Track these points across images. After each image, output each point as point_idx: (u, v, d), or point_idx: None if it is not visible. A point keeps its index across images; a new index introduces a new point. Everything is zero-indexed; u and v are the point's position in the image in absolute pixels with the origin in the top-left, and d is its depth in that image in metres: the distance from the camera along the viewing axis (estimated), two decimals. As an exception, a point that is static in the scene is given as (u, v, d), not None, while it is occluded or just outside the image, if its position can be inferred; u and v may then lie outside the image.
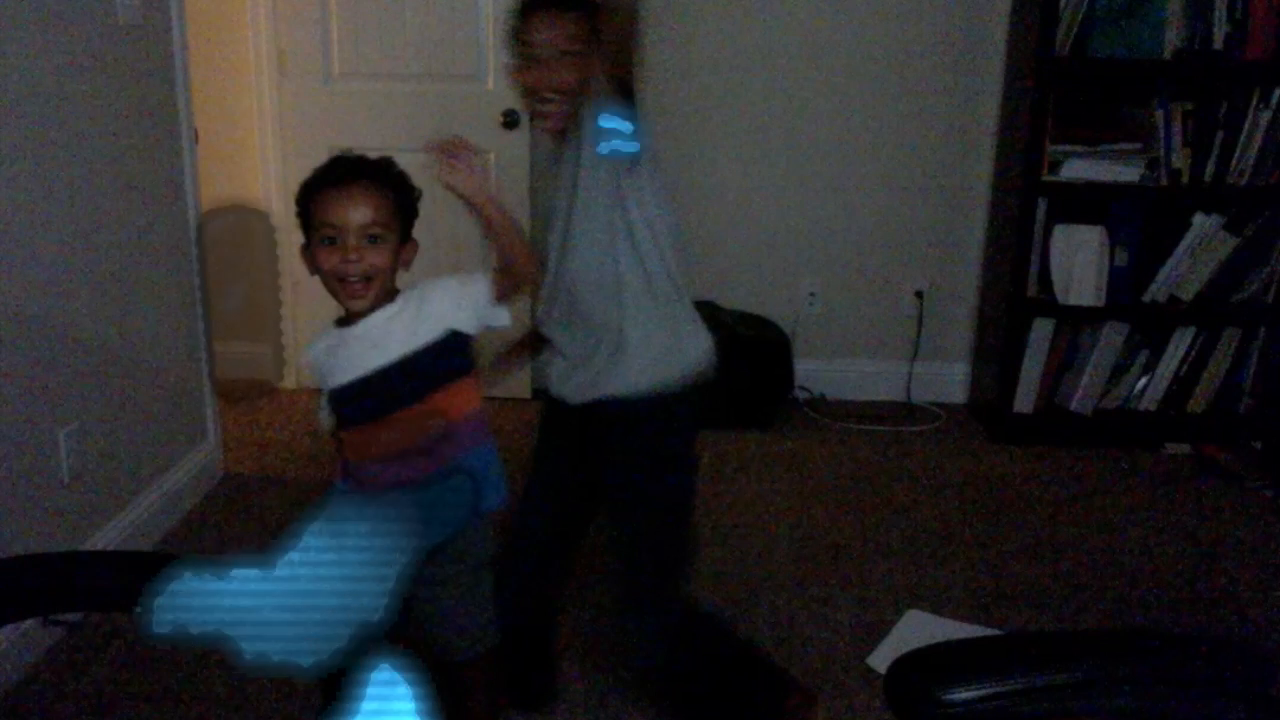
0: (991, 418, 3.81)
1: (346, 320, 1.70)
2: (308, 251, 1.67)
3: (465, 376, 1.72)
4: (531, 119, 2.24)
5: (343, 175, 1.65)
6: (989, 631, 2.57)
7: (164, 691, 2.31)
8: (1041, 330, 3.69)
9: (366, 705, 0.79)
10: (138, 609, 0.89)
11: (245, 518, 3.12)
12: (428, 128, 1.93)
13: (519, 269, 1.73)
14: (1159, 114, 3.48)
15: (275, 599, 0.88)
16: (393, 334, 1.67)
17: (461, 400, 1.71)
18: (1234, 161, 3.51)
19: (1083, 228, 3.61)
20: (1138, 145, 3.54)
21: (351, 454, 1.72)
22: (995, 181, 3.89)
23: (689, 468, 2.04)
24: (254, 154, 3.95)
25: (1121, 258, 3.61)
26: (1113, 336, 3.69)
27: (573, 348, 1.94)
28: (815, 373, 4.05)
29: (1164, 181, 3.53)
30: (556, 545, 2.13)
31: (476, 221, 1.71)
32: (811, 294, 4.06)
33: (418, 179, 1.72)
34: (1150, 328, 3.72)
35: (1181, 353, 3.70)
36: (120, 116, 2.77)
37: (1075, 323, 3.70)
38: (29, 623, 2.33)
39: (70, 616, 2.43)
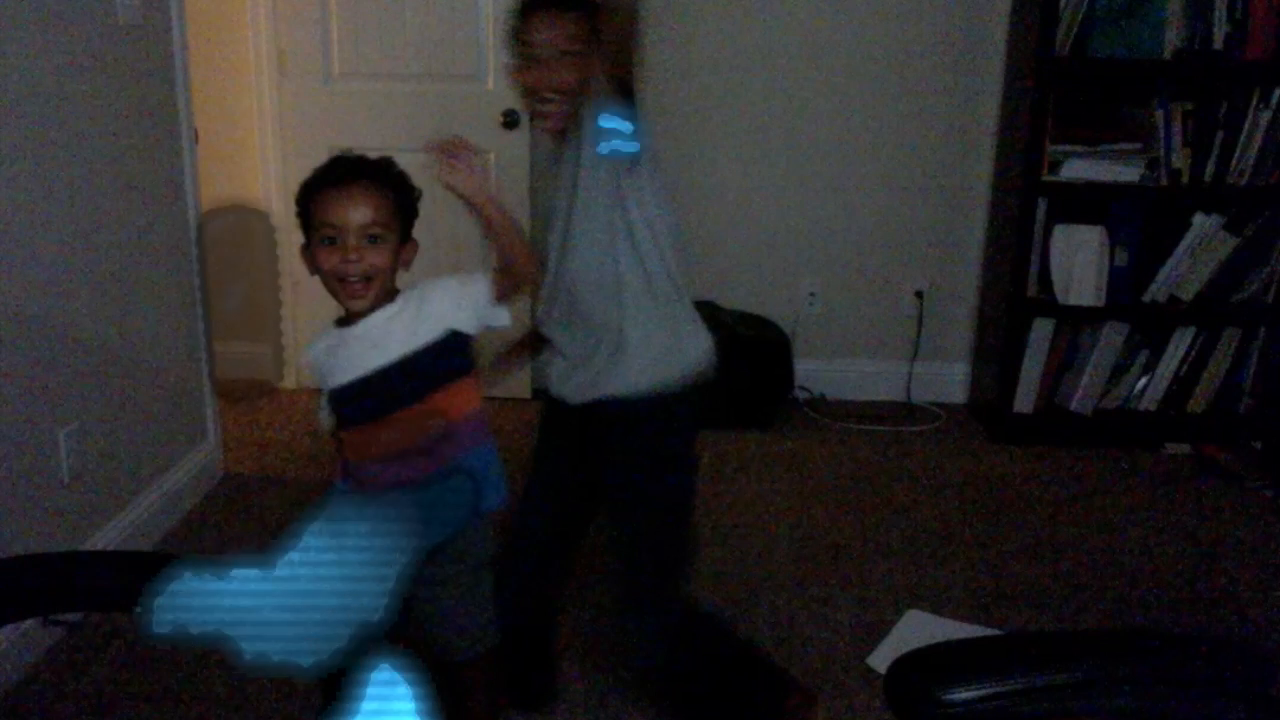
0: (991, 418, 3.81)
1: (346, 320, 1.70)
2: (308, 251, 1.67)
3: (465, 376, 1.72)
4: (531, 119, 2.24)
5: (343, 175, 1.65)
6: (989, 631, 2.57)
7: (164, 691, 2.31)
8: (1041, 330, 3.69)
9: (366, 705, 0.79)
10: (138, 609, 0.89)
11: (245, 518, 3.12)
12: (428, 128, 1.93)
13: (519, 269, 1.73)
14: (1159, 114, 3.48)
15: (275, 599, 0.87)
16: (393, 334, 1.67)
17: (461, 400, 1.71)
18: (1234, 161, 3.51)
19: (1083, 228, 3.61)
20: (1138, 145, 3.54)
21: (351, 454, 1.72)
22: (995, 181, 3.89)
23: (689, 468, 2.04)
24: (254, 154, 3.95)
25: (1121, 258, 3.61)
26: (1113, 336, 3.69)
27: (573, 348, 1.94)
28: (815, 373, 4.05)
29: (1164, 181, 3.53)
30: (556, 545, 2.13)
31: (476, 221, 1.71)
32: (811, 294, 4.06)
33: (418, 179, 1.72)
34: (1150, 328, 3.72)
35: (1181, 353, 3.70)
36: (120, 116, 2.77)
37: (1075, 323, 3.70)
38: (29, 623, 2.33)
39: (70, 616, 2.43)
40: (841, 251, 4.02)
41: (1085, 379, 3.71)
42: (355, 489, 1.73)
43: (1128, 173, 3.53)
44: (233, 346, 3.96)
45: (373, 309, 1.67)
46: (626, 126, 1.74)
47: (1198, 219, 3.58)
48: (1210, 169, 3.52)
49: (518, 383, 3.64)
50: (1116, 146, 3.54)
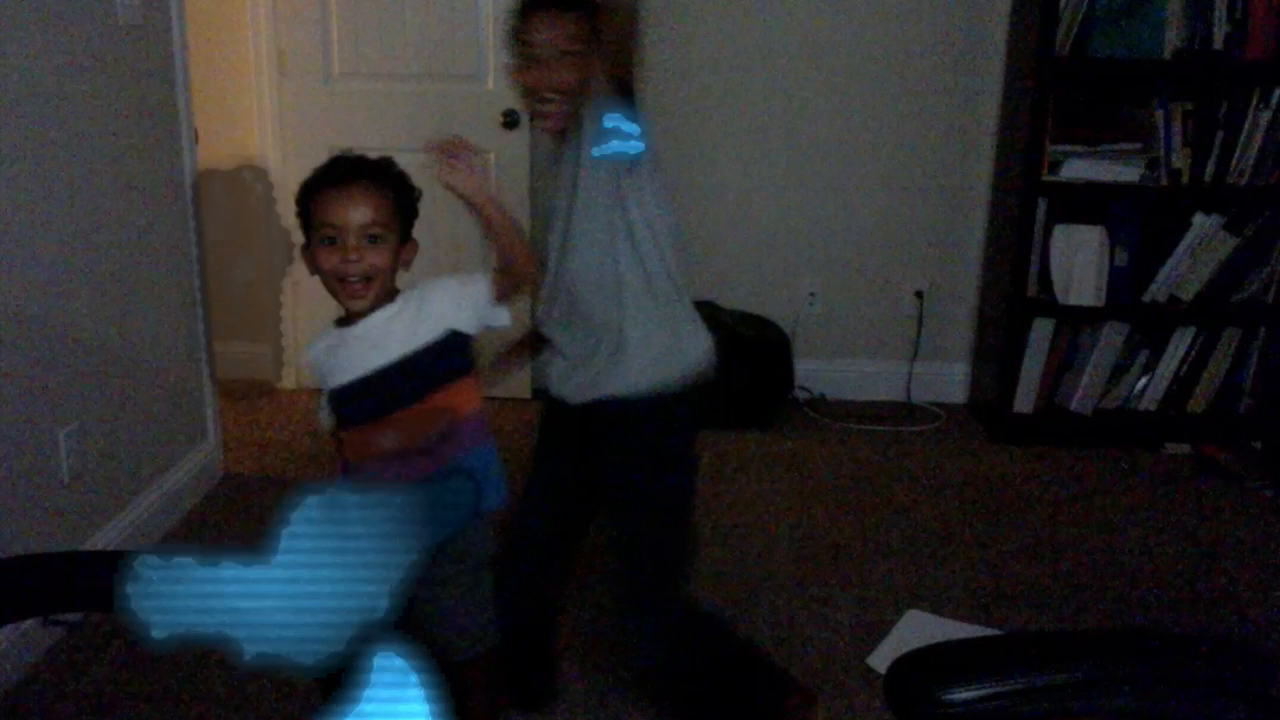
0: (991, 418, 3.81)
1: (346, 320, 1.70)
2: (307, 251, 1.67)
3: (465, 376, 1.72)
4: (531, 119, 2.24)
5: (343, 175, 1.65)
6: (989, 631, 2.57)
7: (164, 691, 2.31)
8: (1041, 330, 3.69)
9: (371, 696, 0.78)
10: (117, 610, 0.89)
11: (245, 518, 3.12)
12: (428, 128, 1.93)
13: (519, 269, 1.73)
14: (1159, 114, 3.49)
15: (275, 596, 0.87)
16: (393, 334, 1.67)
17: (461, 400, 1.71)
18: (1234, 161, 3.51)
19: (1083, 228, 3.61)
20: (1138, 145, 3.54)
21: (351, 454, 1.72)
22: (995, 181, 3.89)
23: (689, 468, 2.04)
24: (254, 154, 3.95)
25: (1121, 258, 3.61)
26: (1113, 336, 3.69)
27: (573, 348, 1.94)
28: (815, 373, 4.05)
29: (1164, 181, 3.53)
30: (556, 545, 2.13)
31: (476, 221, 1.71)
32: (811, 294, 4.06)
33: (418, 179, 1.72)
34: (1150, 328, 3.72)
35: (1181, 353, 3.70)
36: (120, 116, 2.77)
37: (1075, 323, 3.70)
38: (29, 623, 2.33)
39: (70, 616, 2.43)
40: (841, 251, 4.02)
41: (1085, 379, 3.71)
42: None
43: (1128, 173, 3.53)
44: (233, 346, 3.96)
45: (373, 309, 1.67)
46: (633, 128, 1.74)
47: (1198, 219, 3.58)
48: (1210, 169, 3.52)
49: (518, 383, 3.64)
50: (1116, 146, 3.54)
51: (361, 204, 1.63)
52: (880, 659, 2.45)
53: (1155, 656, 1.12)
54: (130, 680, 2.34)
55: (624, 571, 2.03)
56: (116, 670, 2.38)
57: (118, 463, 2.78)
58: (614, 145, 1.74)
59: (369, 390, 1.67)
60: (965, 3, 3.80)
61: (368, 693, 0.79)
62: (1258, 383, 3.69)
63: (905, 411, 4.01)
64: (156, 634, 0.86)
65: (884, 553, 2.96)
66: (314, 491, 0.86)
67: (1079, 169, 3.54)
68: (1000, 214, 3.83)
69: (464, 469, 1.70)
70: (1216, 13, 3.42)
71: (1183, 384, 3.72)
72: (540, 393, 2.12)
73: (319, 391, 1.75)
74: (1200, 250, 3.60)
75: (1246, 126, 3.48)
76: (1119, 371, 3.74)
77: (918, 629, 2.58)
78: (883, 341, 4.09)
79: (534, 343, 2.07)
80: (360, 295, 1.65)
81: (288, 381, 4.11)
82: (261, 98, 3.88)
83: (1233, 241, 3.59)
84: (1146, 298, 3.65)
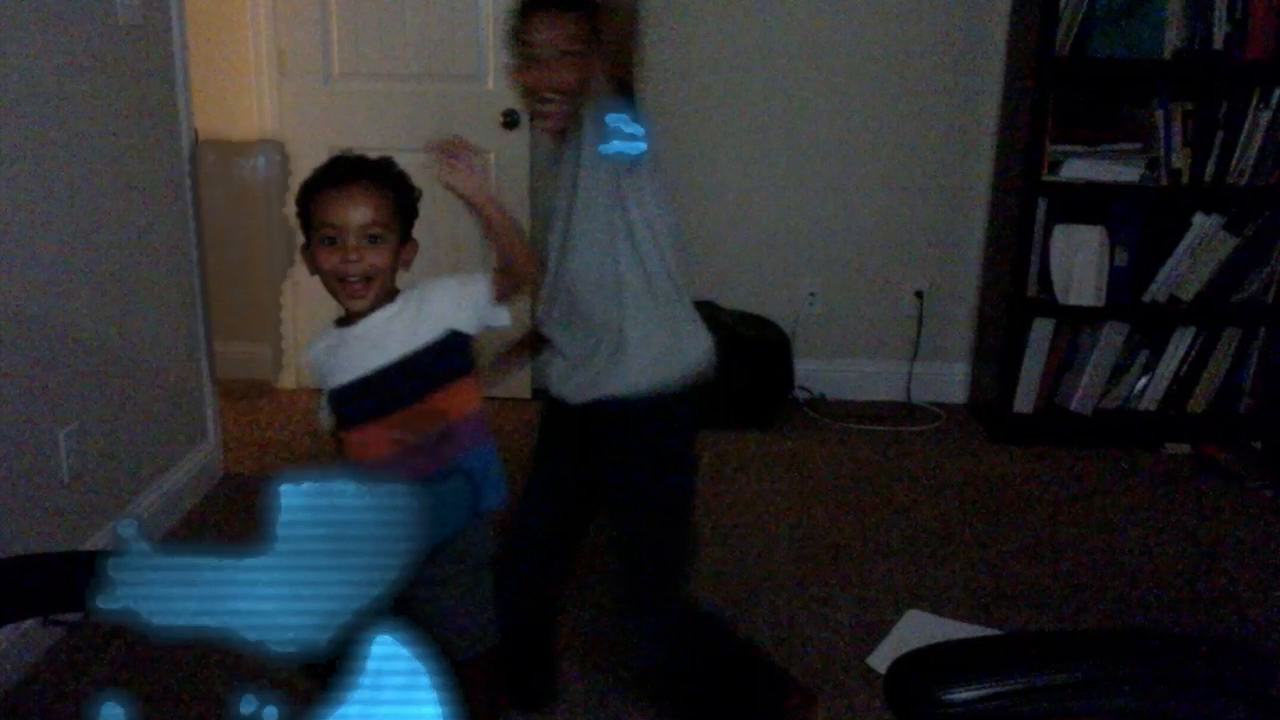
0: (991, 418, 3.81)
1: (346, 320, 1.70)
2: (308, 251, 1.67)
3: (465, 376, 1.72)
4: (531, 119, 2.24)
5: (343, 175, 1.65)
6: (989, 631, 2.57)
7: (164, 691, 2.31)
8: (1041, 330, 3.69)
9: (369, 681, 0.78)
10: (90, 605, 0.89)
11: (245, 518, 3.12)
12: (428, 128, 1.93)
13: (519, 269, 1.73)
14: (1159, 114, 3.48)
15: (270, 585, 0.87)
16: (393, 334, 1.67)
17: (461, 400, 1.71)
18: (1234, 161, 3.51)
19: (1083, 228, 3.61)
20: (1138, 145, 3.54)
21: (351, 454, 1.72)
22: (995, 181, 3.89)
23: (689, 468, 2.04)
24: (254, 154, 3.95)
25: (1121, 258, 3.61)
26: (1113, 336, 3.69)
27: (573, 348, 1.94)
28: (815, 373, 4.05)
29: (1164, 181, 3.53)
30: (556, 545, 2.13)
31: (476, 221, 1.71)
32: (811, 294, 4.06)
33: (418, 179, 1.72)
34: (1150, 328, 3.72)
35: (1181, 353, 3.70)
36: (120, 116, 2.77)
37: (1075, 323, 3.70)
38: (29, 623, 2.32)
39: (70, 616, 2.43)
40: (841, 251, 4.02)
41: (1085, 379, 3.71)
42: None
43: (1128, 173, 3.53)
44: (233, 346, 3.96)
45: (373, 309, 1.67)
46: (637, 128, 1.74)
47: (1198, 219, 3.58)
48: (1210, 169, 3.52)
49: (518, 383, 3.64)
50: (1116, 146, 3.54)
51: (361, 204, 1.63)
52: (880, 659, 2.45)
53: (1155, 656, 1.12)
54: (130, 680, 2.34)
55: (624, 571, 2.03)
56: (116, 670, 2.38)
57: (118, 463, 2.78)
58: (618, 144, 1.74)
59: (369, 390, 1.67)
60: (965, 3, 3.80)
61: (366, 678, 0.79)
62: (1258, 383, 3.69)
63: (905, 411, 4.01)
64: (149, 622, 0.85)
65: (884, 553, 2.96)
66: (297, 481, 0.86)
67: (1079, 169, 3.54)
68: (1000, 214, 3.83)
69: (464, 469, 1.70)
70: (1216, 13, 3.42)
71: (1183, 384, 3.72)
72: (540, 393, 2.12)
73: (319, 391, 1.75)
74: (1200, 250, 3.60)
75: (1246, 126, 3.48)
76: (1119, 371, 3.74)
77: (918, 629, 2.58)
78: (883, 341, 4.09)
79: (534, 343, 2.07)
80: (360, 295, 1.65)
81: (287, 381, 4.11)
82: (261, 98, 3.88)
83: (1233, 241, 3.59)
84: (1146, 298, 3.65)
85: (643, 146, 1.76)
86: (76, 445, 2.57)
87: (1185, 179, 3.53)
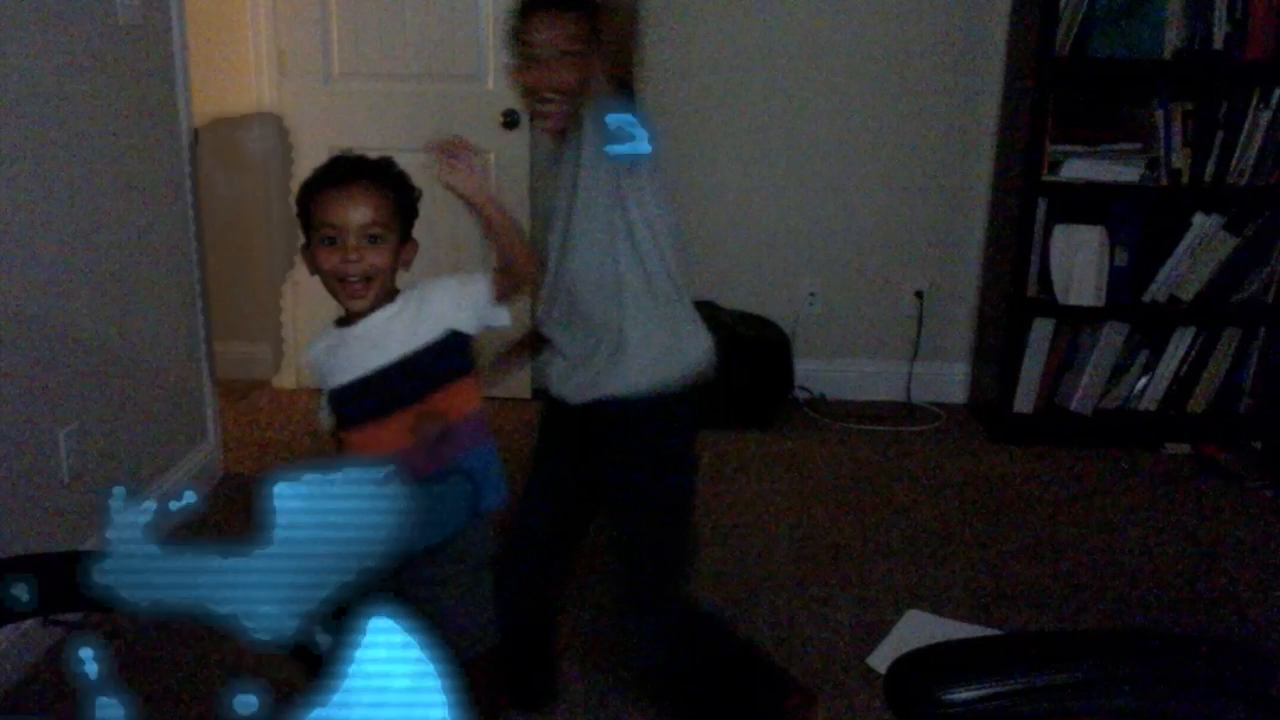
0: (991, 418, 3.81)
1: (346, 320, 1.70)
2: (308, 251, 1.67)
3: (465, 376, 1.72)
4: (531, 119, 2.24)
5: (343, 175, 1.65)
6: (989, 631, 2.57)
7: (164, 691, 2.31)
8: (1041, 330, 3.69)
9: (363, 660, 0.78)
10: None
11: (245, 518, 3.11)
12: (428, 128, 1.93)
13: (519, 269, 1.73)
14: (1159, 114, 3.48)
15: (261, 572, 0.87)
16: (393, 334, 1.67)
17: (461, 400, 1.71)
18: (1234, 161, 3.51)
19: (1083, 228, 3.61)
20: (1138, 145, 3.54)
21: (351, 454, 1.72)
22: (995, 181, 3.89)
23: (689, 468, 2.04)
24: (254, 154, 3.95)
25: (1121, 258, 3.61)
26: (1113, 336, 3.69)
27: (573, 348, 1.94)
28: (815, 373, 4.05)
29: (1164, 181, 3.53)
30: (556, 545, 2.13)
31: (476, 221, 1.71)
32: (811, 294, 4.06)
33: (418, 179, 1.72)
34: (1150, 328, 3.72)
35: (1181, 353, 3.70)
36: (120, 116, 2.77)
37: (1075, 323, 3.70)
38: (29, 623, 2.32)
39: (70, 616, 2.43)
40: (841, 251, 4.02)
41: (1085, 379, 3.71)
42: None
43: (1128, 173, 3.53)
44: (233, 346, 3.96)
45: (373, 309, 1.67)
46: (642, 131, 1.74)
47: (1198, 219, 3.58)
48: (1210, 169, 3.52)
49: (518, 383, 3.64)
50: (1116, 146, 3.54)
51: (361, 204, 1.63)
52: (880, 659, 2.45)
53: (1155, 656, 1.12)
54: (130, 680, 2.33)
55: (624, 571, 2.03)
56: (116, 670, 2.37)
57: (118, 463, 2.78)
58: (627, 145, 1.74)
59: (369, 390, 1.67)
60: (965, 3, 3.80)
61: (372, 678, 0.79)
62: (1258, 383, 3.69)
63: (905, 411, 4.01)
64: (135, 599, 0.86)
65: (884, 553, 2.96)
66: (293, 477, 0.86)
67: (1079, 169, 3.54)
68: (1000, 214, 3.83)
69: (464, 469, 1.70)
70: (1216, 13, 3.42)
71: (1183, 384, 3.72)
72: (540, 393, 2.12)
73: (319, 391, 1.75)
74: (1200, 250, 3.60)
75: (1246, 126, 3.48)
76: (1119, 371, 3.74)
77: (918, 629, 2.58)
78: (883, 341, 4.09)
79: (534, 343, 2.07)
80: (360, 295, 1.65)
81: (287, 381, 4.11)
82: (261, 98, 3.88)
83: (1233, 241, 3.59)
84: (1146, 298, 3.65)
85: (648, 147, 1.76)
86: (76, 445, 2.57)
87: (1185, 179, 3.53)
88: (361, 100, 3.83)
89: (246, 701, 0.82)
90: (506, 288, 1.72)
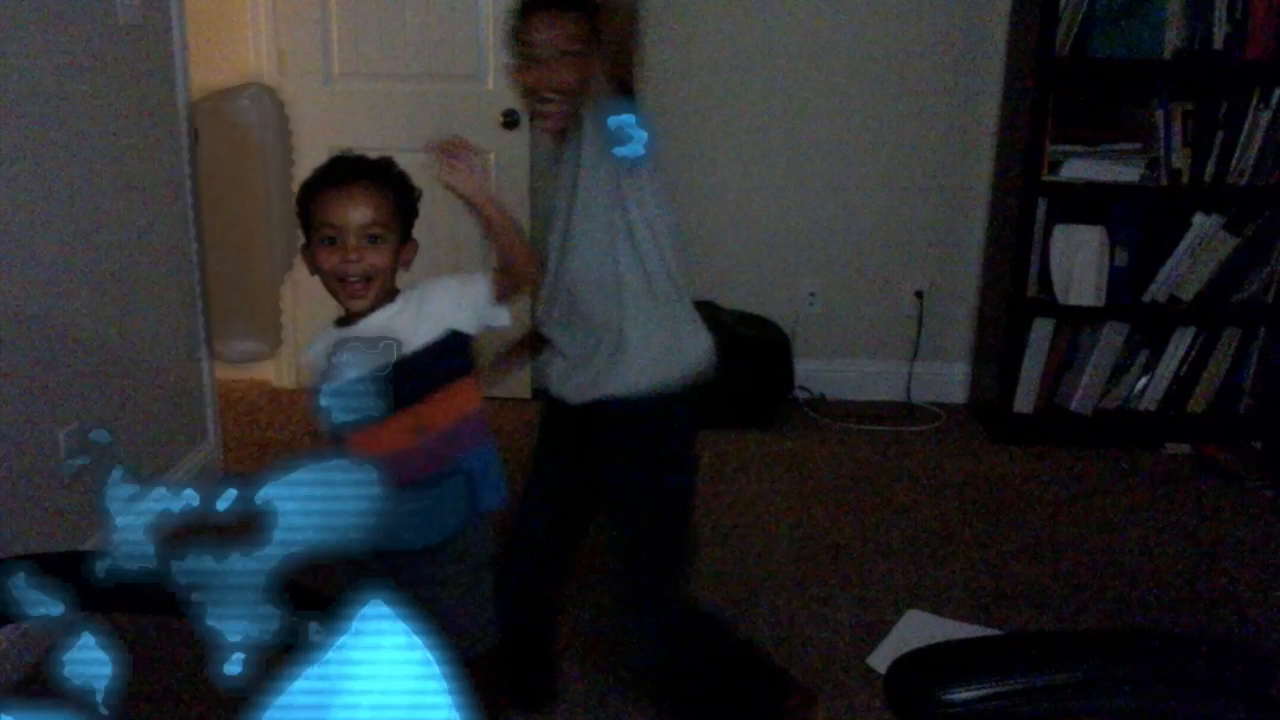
0: (991, 418, 3.81)
1: (346, 320, 1.70)
2: (308, 251, 1.67)
3: (465, 376, 1.72)
4: (531, 119, 2.24)
5: (343, 175, 1.65)
6: (989, 631, 2.57)
7: (164, 691, 2.30)
8: (1041, 330, 3.69)
9: (380, 677, 0.78)
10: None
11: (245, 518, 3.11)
12: (428, 128, 1.93)
13: (519, 269, 1.73)
14: (1159, 114, 3.48)
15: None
16: (393, 334, 1.67)
17: (461, 400, 1.71)
18: (1234, 161, 3.51)
19: (1083, 228, 3.60)
20: (1138, 145, 3.54)
21: (351, 454, 1.72)
22: (995, 181, 3.89)
23: (689, 468, 2.04)
24: (254, 153, 3.94)
25: (1121, 258, 3.61)
26: (1113, 336, 3.69)
27: (573, 348, 1.94)
28: (815, 373, 4.05)
29: (1164, 181, 3.53)
30: (556, 545, 2.13)
31: (476, 221, 1.71)
32: (811, 294, 4.06)
33: (418, 179, 1.72)
34: (1150, 328, 3.72)
35: (1181, 353, 3.70)
36: (120, 116, 2.77)
37: (1075, 323, 3.70)
38: (29, 623, 2.32)
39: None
40: (841, 251, 4.02)
41: (1085, 379, 3.71)
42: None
43: (1128, 173, 3.53)
44: (233, 347, 3.95)
45: (373, 309, 1.67)
46: (641, 131, 1.74)
47: (1198, 219, 3.58)
48: (1210, 169, 3.52)
49: (518, 383, 3.64)
50: (1116, 146, 3.54)
51: (361, 204, 1.62)
52: (880, 659, 2.45)
53: (1155, 656, 1.12)
54: (130, 680, 2.34)
55: (624, 571, 2.03)
56: (116, 670, 2.37)
57: (118, 463, 2.78)
58: (627, 146, 1.74)
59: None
60: (965, 3, 3.80)
61: (376, 679, 0.79)
62: (1258, 383, 3.69)
63: (905, 411, 4.01)
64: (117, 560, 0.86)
65: (884, 553, 2.96)
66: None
67: (1079, 169, 3.54)
68: (1000, 214, 3.83)
69: (464, 469, 1.70)
70: (1216, 13, 3.42)
71: (1183, 384, 3.72)
72: (540, 393, 2.12)
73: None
74: (1200, 250, 3.60)
75: (1246, 126, 3.48)
76: (1119, 371, 3.74)
77: (918, 629, 2.58)
78: (883, 341, 4.09)
79: (534, 343, 2.07)
80: (360, 295, 1.65)
81: (287, 381, 4.11)
82: (261, 98, 3.88)
83: (1233, 241, 3.59)
84: (1146, 298, 3.65)
85: (644, 150, 1.76)
86: (77, 445, 2.57)
87: (1185, 179, 3.53)
88: (361, 100, 3.83)
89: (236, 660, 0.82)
90: (506, 288, 1.72)
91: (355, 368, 1.68)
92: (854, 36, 3.84)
